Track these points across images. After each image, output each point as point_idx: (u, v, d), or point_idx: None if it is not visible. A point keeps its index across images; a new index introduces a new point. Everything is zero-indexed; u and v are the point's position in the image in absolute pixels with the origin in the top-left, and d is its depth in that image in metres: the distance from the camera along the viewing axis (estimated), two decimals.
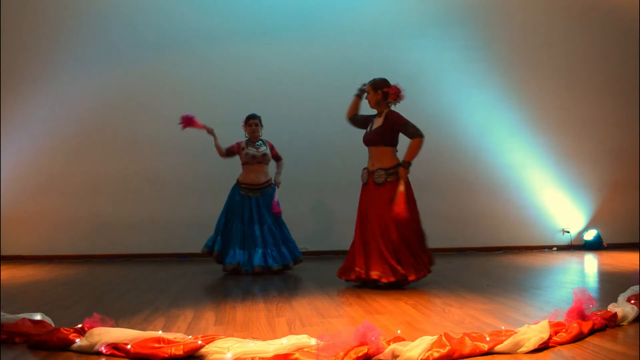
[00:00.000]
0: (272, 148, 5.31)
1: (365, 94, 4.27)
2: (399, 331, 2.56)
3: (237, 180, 5.25)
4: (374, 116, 4.25)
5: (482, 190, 6.82)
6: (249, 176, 5.18)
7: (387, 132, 4.08)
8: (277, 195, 5.23)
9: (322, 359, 2.10)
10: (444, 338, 2.27)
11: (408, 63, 6.54)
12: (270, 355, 2.18)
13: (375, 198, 4.06)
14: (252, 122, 5.20)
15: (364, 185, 4.19)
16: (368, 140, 4.18)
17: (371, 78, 4.25)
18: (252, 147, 5.19)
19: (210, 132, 5.14)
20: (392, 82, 4.21)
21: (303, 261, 5.33)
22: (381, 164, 4.07)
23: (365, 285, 4.08)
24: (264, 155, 5.19)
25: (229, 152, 5.20)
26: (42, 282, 4.60)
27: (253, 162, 5.15)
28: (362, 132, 4.28)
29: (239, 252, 5.04)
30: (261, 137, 5.26)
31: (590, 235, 6.86)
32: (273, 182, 5.29)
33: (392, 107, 4.19)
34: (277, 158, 5.37)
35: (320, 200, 6.66)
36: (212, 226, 5.37)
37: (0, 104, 6.31)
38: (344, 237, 6.03)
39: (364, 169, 4.21)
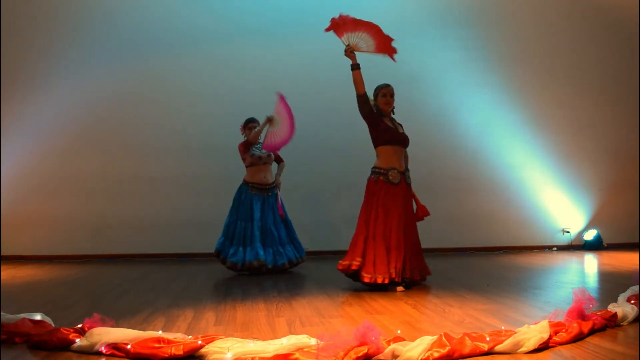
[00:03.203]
0: None
1: (387, 96, 4.17)
2: (399, 331, 2.56)
3: (244, 180, 5.26)
4: (384, 117, 4.18)
5: (482, 190, 6.82)
6: (256, 176, 5.20)
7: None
8: (281, 197, 5.28)
9: (322, 359, 2.10)
10: (444, 338, 2.26)
11: (408, 63, 6.52)
12: (270, 355, 2.18)
13: (408, 198, 4.14)
14: (252, 125, 5.22)
15: (394, 185, 4.05)
16: (404, 140, 4.18)
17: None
18: (255, 148, 5.22)
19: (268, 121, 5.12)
20: (392, 83, 4.23)
21: (304, 261, 5.35)
22: (404, 165, 4.19)
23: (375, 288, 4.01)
24: (269, 156, 5.25)
25: (249, 146, 5.18)
26: (42, 282, 4.60)
27: (259, 162, 5.18)
28: (363, 128, 4.23)
29: (241, 250, 5.04)
30: (260, 140, 5.28)
31: (590, 235, 6.86)
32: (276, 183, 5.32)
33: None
34: (279, 160, 5.41)
35: (320, 201, 6.66)
36: (211, 226, 5.37)
37: (0, 104, 6.31)
38: (343, 237, 6.05)
39: (392, 169, 4.07)
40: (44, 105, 6.39)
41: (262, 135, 5.11)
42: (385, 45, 4.14)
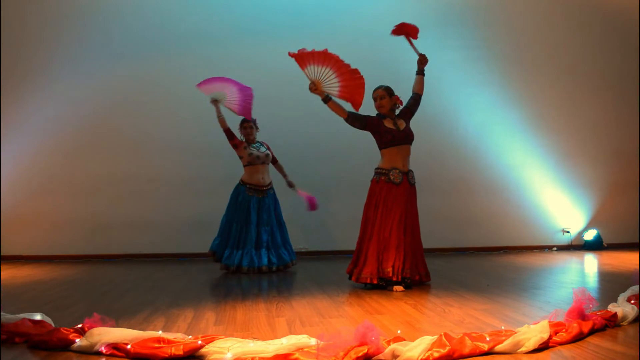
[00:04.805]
0: (268, 149, 5.33)
1: (377, 100, 4.18)
2: (399, 331, 2.57)
3: (242, 180, 5.25)
4: (383, 118, 4.16)
5: (482, 190, 6.82)
6: (254, 176, 5.19)
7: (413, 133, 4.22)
8: (302, 193, 5.33)
9: (322, 359, 2.10)
10: (444, 338, 2.27)
11: (408, 63, 6.49)
12: (270, 355, 2.18)
13: (412, 198, 4.12)
14: (247, 125, 5.24)
15: (395, 185, 4.04)
16: (406, 138, 4.13)
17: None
18: (253, 148, 5.21)
19: (214, 103, 5.16)
20: (391, 83, 4.25)
21: (302, 261, 5.35)
22: (408, 165, 4.15)
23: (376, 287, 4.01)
24: (267, 155, 5.24)
25: (230, 133, 5.18)
26: (42, 282, 4.60)
27: (257, 162, 5.17)
28: (362, 130, 4.23)
29: (236, 253, 5.06)
30: (257, 140, 5.29)
31: (590, 235, 6.86)
32: (287, 184, 5.38)
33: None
34: (274, 160, 5.39)
35: (319, 201, 6.65)
36: (211, 226, 5.37)
37: (0, 104, 6.31)
38: (343, 237, 6.07)
39: (394, 169, 4.06)
40: (44, 105, 6.39)
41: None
42: (352, 90, 3.97)
